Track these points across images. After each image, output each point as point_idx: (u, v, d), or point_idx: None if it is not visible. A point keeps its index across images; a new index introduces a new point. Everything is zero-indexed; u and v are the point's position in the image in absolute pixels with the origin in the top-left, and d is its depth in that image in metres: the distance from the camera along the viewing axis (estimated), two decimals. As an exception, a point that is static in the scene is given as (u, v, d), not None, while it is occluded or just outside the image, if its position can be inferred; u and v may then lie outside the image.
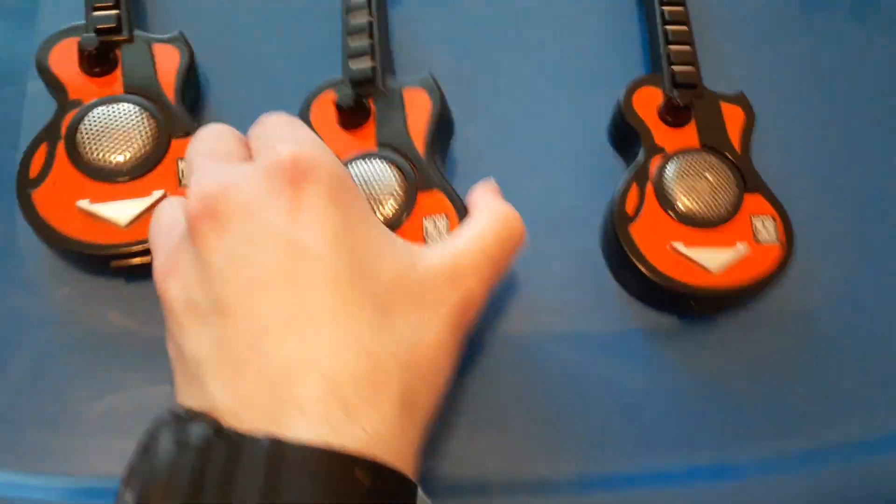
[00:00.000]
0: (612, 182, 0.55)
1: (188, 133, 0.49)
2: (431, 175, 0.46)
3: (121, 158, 0.48)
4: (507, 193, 0.43)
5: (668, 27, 0.56)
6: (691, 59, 0.55)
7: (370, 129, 0.49)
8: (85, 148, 0.48)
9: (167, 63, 0.51)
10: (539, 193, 0.54)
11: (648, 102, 0.54)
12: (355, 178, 0.46)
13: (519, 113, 0.57)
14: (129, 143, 0.48)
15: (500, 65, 0.59)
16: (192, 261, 0.30)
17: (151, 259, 0.34)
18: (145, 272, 0.45)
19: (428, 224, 0.44)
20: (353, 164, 0.47)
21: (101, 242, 0.46)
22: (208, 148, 0.34)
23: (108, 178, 0.47)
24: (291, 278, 0.27)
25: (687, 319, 0.52)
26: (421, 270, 0.31)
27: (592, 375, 0.49)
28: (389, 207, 0.45)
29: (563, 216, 0.54)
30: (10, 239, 0.50)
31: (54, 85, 0.49)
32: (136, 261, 0.47)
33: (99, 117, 0.48)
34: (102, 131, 0.48)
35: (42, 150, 0.48)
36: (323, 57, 0.57)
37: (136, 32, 0.52)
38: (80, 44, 0.49)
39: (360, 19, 0.52)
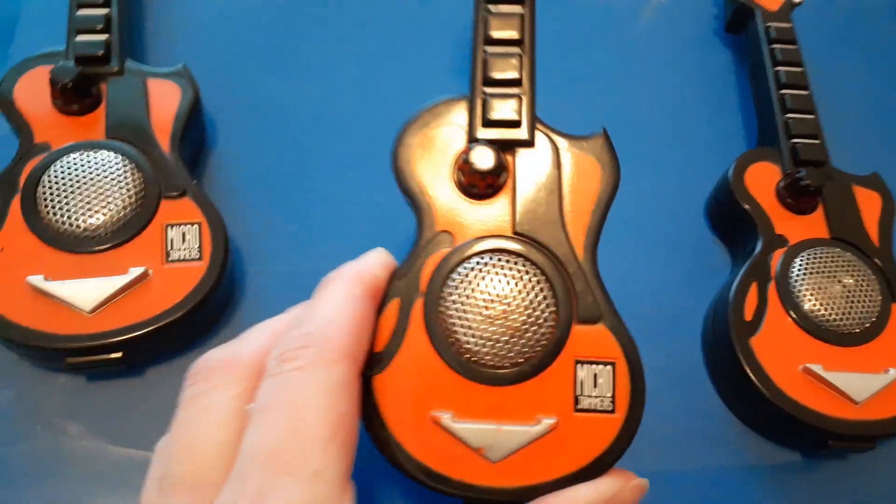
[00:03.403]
0: (712, 274, 0.44)
1: (182, 193, 0.38)
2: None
3: (92, 221, 0.36)
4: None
5: (786, 92, 0.45)
6: (815, 131, 0.44)
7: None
8: (46, 205, 0.37)
9: (164, 103, 0.40)
10: (623, 284, 0.43)
11: (763, 181, 0.43)
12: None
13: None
14: (103, 203, 0.37)
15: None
16: None
17: None
18: (113, 371, 0.36)
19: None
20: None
21: (56, 332, 0.34)
22: (177, 469, 0.24)
23: (73, 246, 0.36)
24: None
25: (814, 457, 0.40)
26: None
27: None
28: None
29: (653, 314, 0.42)
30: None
31: (17, 123, 0.39)
32: (100, 358, 0.35)
33: (69, 167, 0.37)
34: (72, 185, 0.37)
35: (-10, 206, 0.37)
36: (359, 105, 0.47)
37: (130, 63, 0.41)
38: (52, 74, 0.38)
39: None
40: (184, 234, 0.37)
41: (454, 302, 0.30)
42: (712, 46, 0.52)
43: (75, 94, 0.39)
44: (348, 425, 0.24)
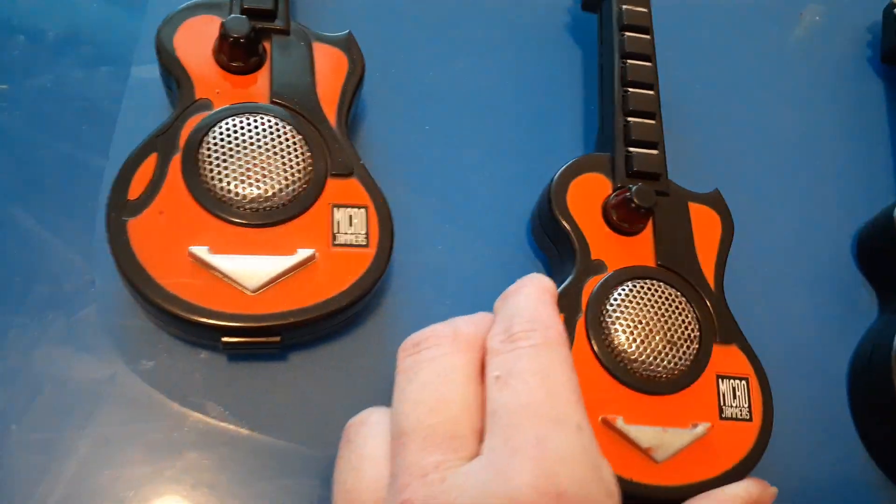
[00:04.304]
0: (859, 314, 0.42)
1: (349, 172, 0.36)
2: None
3: (257, 193, 0.34)
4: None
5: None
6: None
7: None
8: (209, 169, 0.34)
9: (331, 72, 0.38)
10: (766, 317, 0.41)
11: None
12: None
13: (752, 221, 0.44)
14: (271, 173, 0.34)
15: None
16: None
17: None
18: (258, 352, 0.35)
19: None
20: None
21: (216, 309, 0.32)
22: (429, 422, 0.25)
23: (236, 218, 0.33)
24: None
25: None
26: None
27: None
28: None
29: (797, 351, 0.41)
30: (84, 279, 0.35)
31: (178, 76, 0.36)
32: (257, 340, 0.33)
33: (234, 130, 0.35)
34: (237, 151, 0.34)
35: (149, 164, 0.34)
36: (509, 95, 0.45)
37: (294, 23, 0.38)
38: (224, 27, 0.35)
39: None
40: (350, 217, 0.35)
41: (615, 319, 0.35)
42: (866, 74, 0.50)
43: (244, 51, 0.36)
44: (582, 396, 0.26)
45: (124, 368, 0.34)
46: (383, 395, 0.29)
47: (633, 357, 0.34)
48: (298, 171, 0.35)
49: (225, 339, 0.32)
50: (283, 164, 0.34)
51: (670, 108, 0.43)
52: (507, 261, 0.41)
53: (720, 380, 0.35)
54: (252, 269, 0.32)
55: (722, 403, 0.35)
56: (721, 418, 0.34)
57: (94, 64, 0.40)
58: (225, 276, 0.32)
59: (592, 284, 0.36)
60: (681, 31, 0.48)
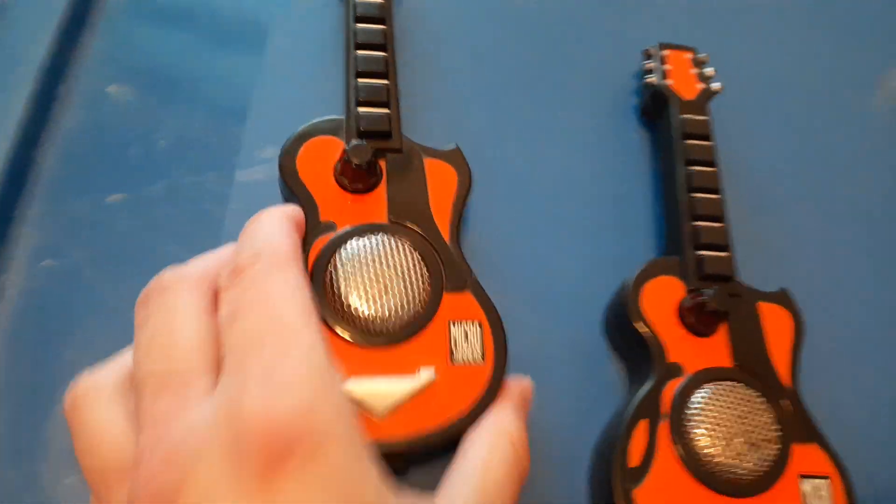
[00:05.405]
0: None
1: (464, 286, 0.37)
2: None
3: (383, 313, 0.35)
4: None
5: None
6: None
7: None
8: (335, 291, 0.36)
9: (442, 186, 0.40)
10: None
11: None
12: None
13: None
14: (395, 293, 0.36)
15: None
16: None
17: None
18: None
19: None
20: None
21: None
22: (159, 368, 0.25)
23: (361, 338, 0.35)
24: None
25: None
26: None
27: None
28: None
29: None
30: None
31: (303, 199, 0.37)
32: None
33: (358, 252, 0.36)
34: (361, 272, 0.36)
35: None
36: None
37: (405, 139, 0.40)
38: (348, 154, 0.37)
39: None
40: (466, 333, 0.36)
41: (698, 423, 0.36)
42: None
43: (365, 174, 0.37)
44: (316, 316, 0.25)
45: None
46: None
47: (717, 460, 0.35)
48: (420, 289, 0.36)
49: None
50: (406, 282, 0.36)
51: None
52: (582, 352, 0.43)
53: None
54: (379, 393, 0.34)
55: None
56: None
57: (202, 170, 0.42)
58: (357, 401, 0.34)
59: (672, 388, 0.37)
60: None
